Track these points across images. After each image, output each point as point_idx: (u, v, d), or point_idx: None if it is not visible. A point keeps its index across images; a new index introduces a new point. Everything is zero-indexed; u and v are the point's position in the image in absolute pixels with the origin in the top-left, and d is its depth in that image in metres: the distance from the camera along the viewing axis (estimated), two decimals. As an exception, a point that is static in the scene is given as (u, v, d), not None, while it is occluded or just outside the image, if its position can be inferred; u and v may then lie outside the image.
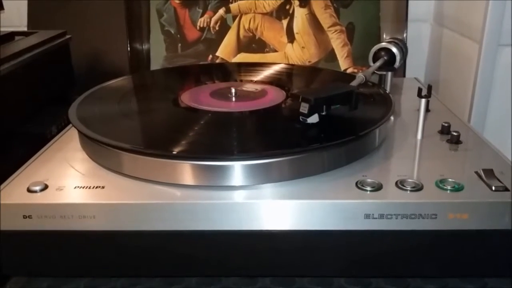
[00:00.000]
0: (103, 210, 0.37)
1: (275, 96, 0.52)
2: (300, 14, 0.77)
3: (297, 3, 0.77)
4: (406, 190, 0.37)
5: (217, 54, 0.78)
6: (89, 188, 0.38)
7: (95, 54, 0.78)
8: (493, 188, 0.37)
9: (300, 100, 0.42)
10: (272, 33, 0.78)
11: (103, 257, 0.38)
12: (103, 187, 0.38)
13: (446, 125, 0.48)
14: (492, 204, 0.36)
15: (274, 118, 0.48)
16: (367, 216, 0.36)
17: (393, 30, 0.76)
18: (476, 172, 0.40)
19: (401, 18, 0.76)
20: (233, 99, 0.52)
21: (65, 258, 0.38)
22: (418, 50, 0.80)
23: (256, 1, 0.77)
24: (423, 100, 0.46)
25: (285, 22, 0.77)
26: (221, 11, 0.78)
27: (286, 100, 0.51)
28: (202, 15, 0.78)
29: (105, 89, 0.56)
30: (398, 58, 0.61)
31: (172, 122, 0.48)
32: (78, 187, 0.39)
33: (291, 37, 0.77)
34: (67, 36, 0.69)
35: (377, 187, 0.37)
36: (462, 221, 0.36)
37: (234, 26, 0.78)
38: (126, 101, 0.52)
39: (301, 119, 0.43)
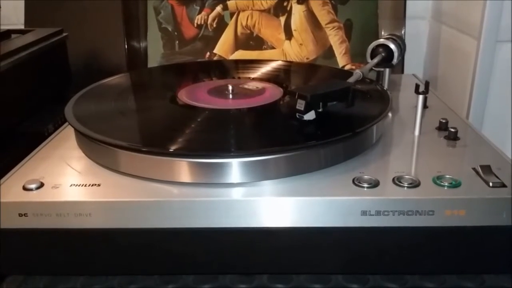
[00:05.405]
0: (99, 208, 0.37)
1: (272, 93, 0.52)
2: (297, 11, 0.77)
3: (294, 0, 0.77)
4: (403, 186, 0.37)
5: (214, 51, 0.78)
6: (85, 186, 0.38)
7: (92, 51, 0.78)
8: (491, 184, 0.37)
9: (296, 97, 0.42)
10: (269, 30, 0.78)
11: (100, 255, 0.38)
12: (99, 185, 0.38)
13: (443, 121, 0.48)
14: (489, 201, 0.36)
15: (271, 115, 0.48)
16: (364, 213, 0.36)
17: (391, 27, 0.76)
18: (474, 169, 0.39)
19: (399, 15, 0.76)
20: (231, 96, 0.51)
21: (61, 256, 0.38)
22: (417, 47, 0.80)
23: (254, -2, 0.77)
24: (421, 97, 0.46)
25: (282, 19, 0.77)
26: (219, 8, 0.78)
27: (283, 97, 0.51)
28: (199, 13, 0.78)
29: (102, 86, 0.56)
30: (396, 54, 0.60)
31: (169, 119, 0.47)
32: (74, 185, 0.38)
33: (288, 34, 0.77)
34: (64, 34, 0.69)
35: (374, 184, 0.37)
36: (460, 218, 0.36)
37: (231, 23, 0.78)
38: (123, 98, 0.52)
39: (297, 116, 0.42)
